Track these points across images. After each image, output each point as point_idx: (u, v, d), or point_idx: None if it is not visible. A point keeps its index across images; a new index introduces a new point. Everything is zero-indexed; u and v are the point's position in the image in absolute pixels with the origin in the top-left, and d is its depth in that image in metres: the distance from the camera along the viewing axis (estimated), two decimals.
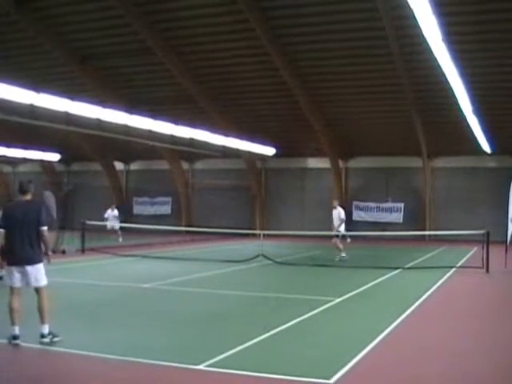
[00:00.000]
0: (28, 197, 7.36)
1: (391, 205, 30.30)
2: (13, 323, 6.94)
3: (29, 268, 7.09)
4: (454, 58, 14.52)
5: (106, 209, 26.02)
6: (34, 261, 7.12)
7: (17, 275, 7.09)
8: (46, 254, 7.32)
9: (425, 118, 26.04)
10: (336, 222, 18.35)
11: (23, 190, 7.33)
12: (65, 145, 32.42)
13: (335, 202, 18.93)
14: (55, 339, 7.00)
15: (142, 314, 9.35)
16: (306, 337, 7.78)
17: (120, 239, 24.16)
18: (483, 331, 8.43)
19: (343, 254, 18.19)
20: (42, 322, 7.06)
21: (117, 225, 25.28)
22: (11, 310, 7.01)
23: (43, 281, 7.21)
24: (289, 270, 16.28)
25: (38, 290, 7.20)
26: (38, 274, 7.15)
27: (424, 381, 6.05)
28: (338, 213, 18.36)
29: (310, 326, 8.50)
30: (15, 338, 6.90)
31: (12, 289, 7.13)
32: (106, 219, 25.38)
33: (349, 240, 23.84)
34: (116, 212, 25.86)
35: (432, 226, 28.80)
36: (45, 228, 7.23)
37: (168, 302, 10.66)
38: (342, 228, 18.56)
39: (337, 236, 18.46)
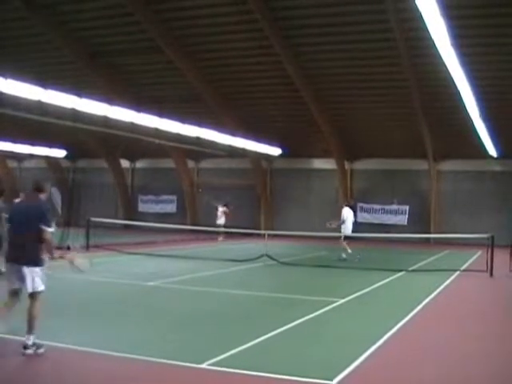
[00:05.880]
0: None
1: (396, 207, 30.22)
2: None
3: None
4: (461, 62, 14.48)
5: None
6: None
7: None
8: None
9: (431, 120, 25.96)
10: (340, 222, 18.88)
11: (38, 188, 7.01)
12: (71, 141, 32.51)
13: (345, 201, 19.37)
14: (39, 351, 6.45)
15: (145, 311, 9.38)
16: (308, 337, 7.79)
17: None
18: (486, 334, 8.43)
19: (343, 255, 18.52)
20: (30, 332, 6.47)
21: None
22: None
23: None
24: (293, 270, 16.28)
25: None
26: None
27: (427, 383, 6.06)
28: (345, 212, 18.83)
29: (313, 327, 8.51)
30: None
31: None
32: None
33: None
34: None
35: (437, 228, 28.69)
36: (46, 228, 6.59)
37: (172, 301, 10.69)
38: (345, 228, 18.76)
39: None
